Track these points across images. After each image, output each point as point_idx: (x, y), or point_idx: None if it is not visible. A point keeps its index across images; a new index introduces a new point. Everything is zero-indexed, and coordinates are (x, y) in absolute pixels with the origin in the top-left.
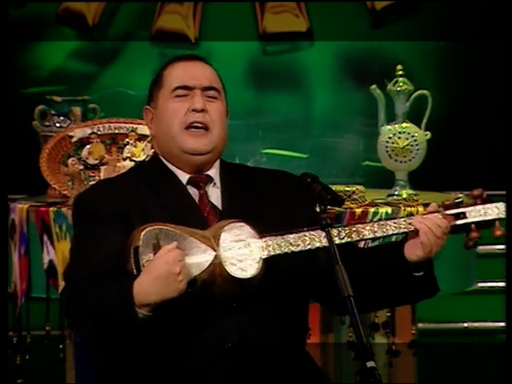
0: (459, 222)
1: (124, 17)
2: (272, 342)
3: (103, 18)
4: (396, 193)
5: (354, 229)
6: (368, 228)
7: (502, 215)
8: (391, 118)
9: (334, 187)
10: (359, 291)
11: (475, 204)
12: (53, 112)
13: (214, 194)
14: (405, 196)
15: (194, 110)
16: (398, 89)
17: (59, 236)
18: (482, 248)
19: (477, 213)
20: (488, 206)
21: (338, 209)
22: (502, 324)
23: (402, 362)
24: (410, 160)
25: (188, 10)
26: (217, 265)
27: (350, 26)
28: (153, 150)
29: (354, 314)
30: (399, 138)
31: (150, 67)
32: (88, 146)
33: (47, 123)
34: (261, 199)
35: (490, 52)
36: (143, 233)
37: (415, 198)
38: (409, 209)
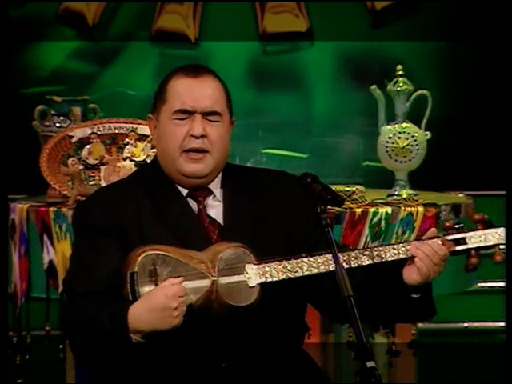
0: (459, 247)
1: (124, 17)
2: (267, 355)
3: (103, 18)
4: (396, 193)
5: (352, 254)
6: (367, 253)
7: (503, 241)
8: (391, 118)
9: (334, 187)
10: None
11: (475, 229)
12: (53, 112)
13: (214, 208)
14: (405, 196)
15: (192, 136)
16: (398, 89)
17: (59, 236)
18: None
19: (477, 238)
20: (488, 231)
21: (337, 209)
22: (502, 324)
23: (402, 361)
24: (410, 160)
25: (188, 10)
26: (213, 291)
27: (350, 26)
28: (154, 151)
29: (354, 314)
30: (399, 138)
31: (149, 67)
32: (88, 146)
33: (47, 123)
34: (262, 206)
35: (490, 52)
36: (140, 258)
37: (415, 197)
38: (409, 209)
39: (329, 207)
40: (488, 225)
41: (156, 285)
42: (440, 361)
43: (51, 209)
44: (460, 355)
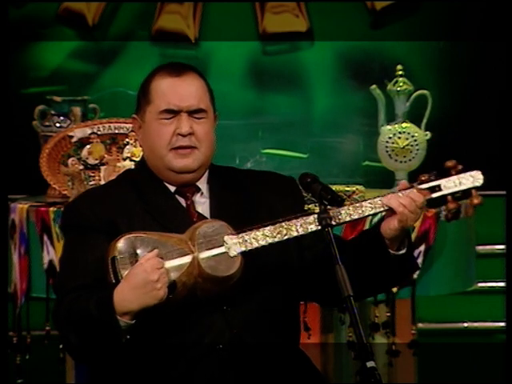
0: (435, 194)
1: (124, 17)
2: (263, 342)
3: (103, 18)
4: None
5: (331, 214)
6: (344, 212)
7: (478, 183)
8: (391, 118)
9: (334, 187)
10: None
11: (449, 175)
12: (53, 112)
13: (202, 204)
14: None
15: (179, 134)
16: (398, 89)
17: (59, 236)
18: (481, 248)
19: (451, 184)
20: (462, 175)
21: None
22: (502, 324)
23: (402, 361)
24: (410, 160)
25: (188, 10)
26: (195, 266)
27: (350, 26)
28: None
29: (354, 314)
30: (399, 138)
31: (149, 67)
32: (88, 146)
33: (47, 123)
34: (249, 204)
35: (490, 52)
36: (119, 242)
37: None
38: None
39: (329, 207)
40: (461, 171)
41: None
42: (440, 361)
43: (51, 209)
44: (460, 355)
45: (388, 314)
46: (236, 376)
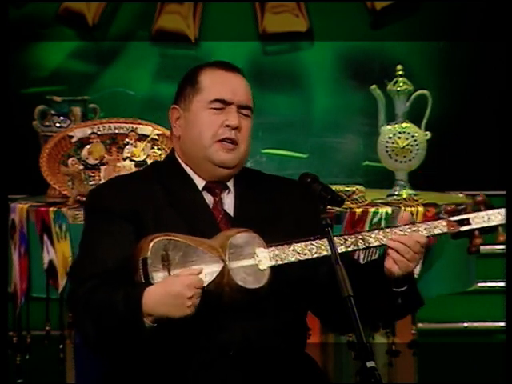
0: (463, 228)
1: (124, 17)
2: (273, 346)
3: (103, 18)
4: (396, 193)
5: (360, 237)
6: (373, 236)
7: (504, 221)
8: (391, 118)
9: (334, 187)
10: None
11: (478, 210)
12: (53, 112)
13: (229, 202)
14: (405, 196)
15: (227, 126)
16: (398, 89)
17: (59, 236)
18: (481, 248)
19: (480, 219)
20: (491, 212)
21: (337, 209)
22: (502, 324)
23: (402, 361)
24: (410, 160)
25: (188, 10)
26: (225, 275)
27: (349, 25)
28: (154, 151)
29: (354, 314)
30: (399, 138)
31: (149, 67)
32: (88, 146)
33: (47, 123)
34: (273, 208)
35: (490, 52)
36: (151, 244)
37: (415, 197)
38: (409, 209)
39: (329, 207)
40: (489, 206)
41: (168, 270)
42: (440, 361)
43: (51, 209)
44: (460, 355)
45: None
46: (244, 379)
